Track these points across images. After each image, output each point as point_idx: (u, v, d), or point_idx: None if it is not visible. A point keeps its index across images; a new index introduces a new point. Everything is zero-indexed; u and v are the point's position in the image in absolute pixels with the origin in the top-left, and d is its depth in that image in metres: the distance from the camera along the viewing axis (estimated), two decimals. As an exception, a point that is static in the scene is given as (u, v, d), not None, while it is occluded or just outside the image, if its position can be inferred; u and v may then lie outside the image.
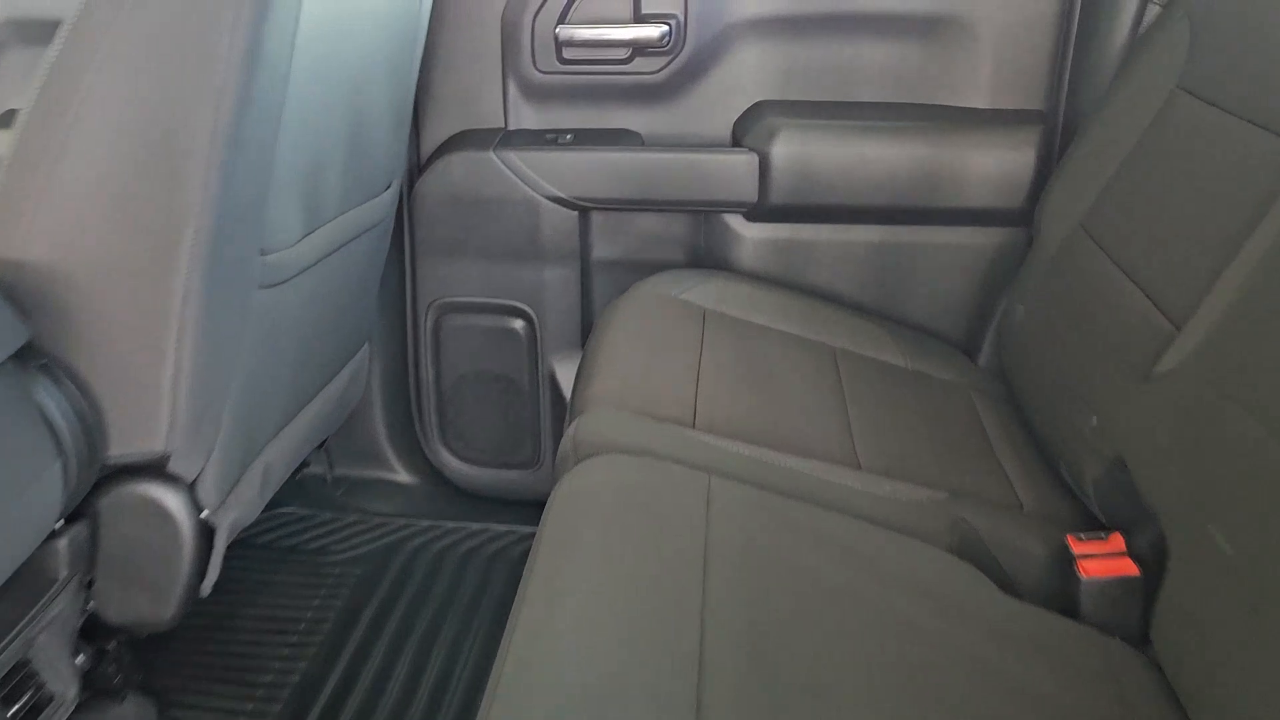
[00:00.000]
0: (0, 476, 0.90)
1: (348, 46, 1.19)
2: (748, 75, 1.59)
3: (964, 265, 1.55)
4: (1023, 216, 1.50)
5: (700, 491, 0.96)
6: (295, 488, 1.76)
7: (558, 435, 1.71)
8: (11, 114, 1.69)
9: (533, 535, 1.70)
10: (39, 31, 1.64)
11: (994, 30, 1.50)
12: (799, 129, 1.53)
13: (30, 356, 0.98)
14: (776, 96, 1.59)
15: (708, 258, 1.62)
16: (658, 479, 0.97)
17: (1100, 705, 0.83)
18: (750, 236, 1.58)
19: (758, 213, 1.56)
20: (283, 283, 1.15)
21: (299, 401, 1.35)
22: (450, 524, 1.71)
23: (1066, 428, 1.12)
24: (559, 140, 1.58)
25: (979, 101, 1.53)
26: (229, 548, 1.54)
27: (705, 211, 1.59)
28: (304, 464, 1.75)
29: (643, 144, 1.59)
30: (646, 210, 1.60)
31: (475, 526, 1.70)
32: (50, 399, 0.98)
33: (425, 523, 1.71)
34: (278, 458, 1.31)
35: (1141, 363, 1.00)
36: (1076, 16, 1.47)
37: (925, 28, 1.53)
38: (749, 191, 1.54)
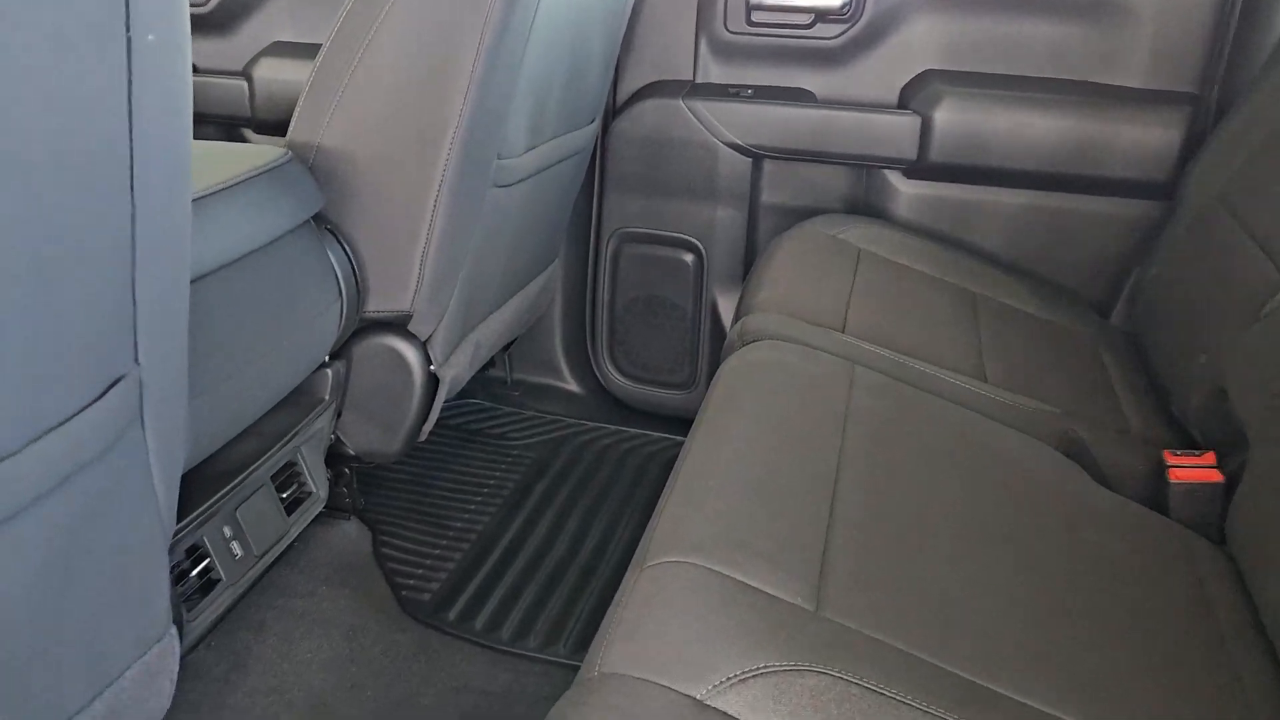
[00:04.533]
0: (302, 306, 1.16)
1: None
2: (917, 45, 1.75)
3: (1106, 232, 1.68)
4: (1164, 190, 1.62)
5: (845, 375, 1.15)
6: (481, 383, 2.03)
7: (714, 360, 1.92)
8: (280, 45, 2.01)
9: (682, 444, 1.92)
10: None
11: (1154, 12, 1.62)
12: (962, 97, 1.68)
13: (322, 221, 1.25)
14: (942, 66, 1.74)
15: (864, 208, 1.79)
16: (810, 362, 1.17)
17: (1176, 583, 0.97)
18: (906, 191, 1.75)
19: (916, 170, 1.73)
20: (509, 185, 1.39)
21: (505, 294, 1.60)
22: (612, 427, 1.94)
23: (1180, 365, 1.25)
24: (741, 94, 1.78)
25: (1134, 81, 1.65)
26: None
27: (867, 166, 1.76)
28: (490, 363, 2.02)
29: (815, 102, 1.77)
30: (813, 161, 1.79)
31: (633, 432, 1.93)
32: (334, 256, 1.24)
33: (590, 424, 1.95)
34: (485, 338, 1.56)
35: (1252, 307, 1.13)
36: (1239, 2, 1.57)
37: (1088, 8, 1.65)
38: (909, 150, 1.71)
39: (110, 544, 0.76)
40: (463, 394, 2.01)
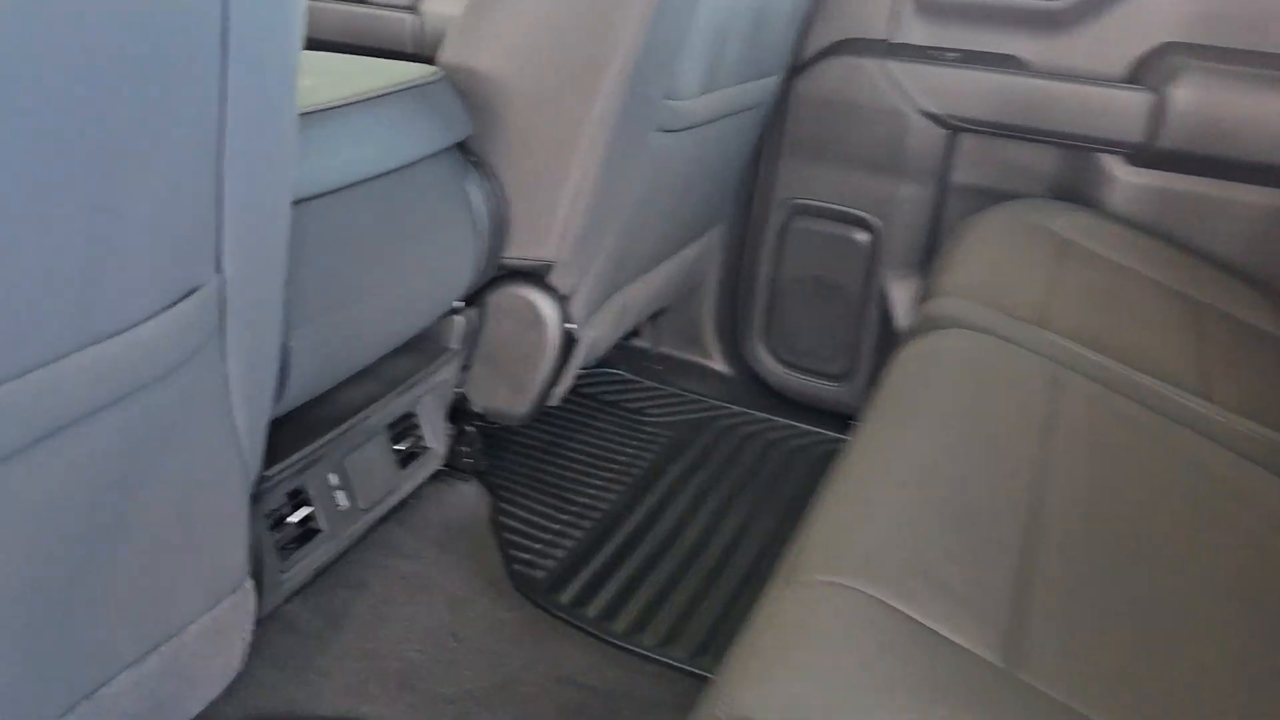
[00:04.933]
0: (436, 241, 1.06)
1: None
2: (1157, 12, 1.51)
3: (1372, 246, 1.41)
4: None
5: (1046, 377, 0.96)
6: (623, 353, 1.91)
7: (878, 353, 1.73)
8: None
9: (834, 440, 1.76)
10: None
11: None
12: (1207, 74, 1.44)
13: (467, 152, 1.14)
14: (1186, 39, 1.50)
15: (1073, 196, 1.57)
16: (1005, 357, 0.98)
17: None
18: (1126, 180, 1.51)
19: (1142, 157, 1.49)
20: (676, 130, 1.25)
21: (659, 255, 1.46)
22: (758, 414, 1.78)
23: None
24: (942, 57, 1.58)
25: None
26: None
27: (1081, 148, 1.54)
28: (634, 331, 1.89)
29: (1029, 70, 1.56)
30: (1018, 138, 1.57)
31: (782, 422, 1.77)
32: (476, 191, 1.13)
33: (735, 408, 1.80)
34: (632, 302, 1.43)
35: None
36: None
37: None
38: (1136, 132, 1.48)
39: (178, 478, 0.66)
40: (602, 361, 1.89)
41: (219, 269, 0.62)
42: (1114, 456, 0.87)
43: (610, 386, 1.83)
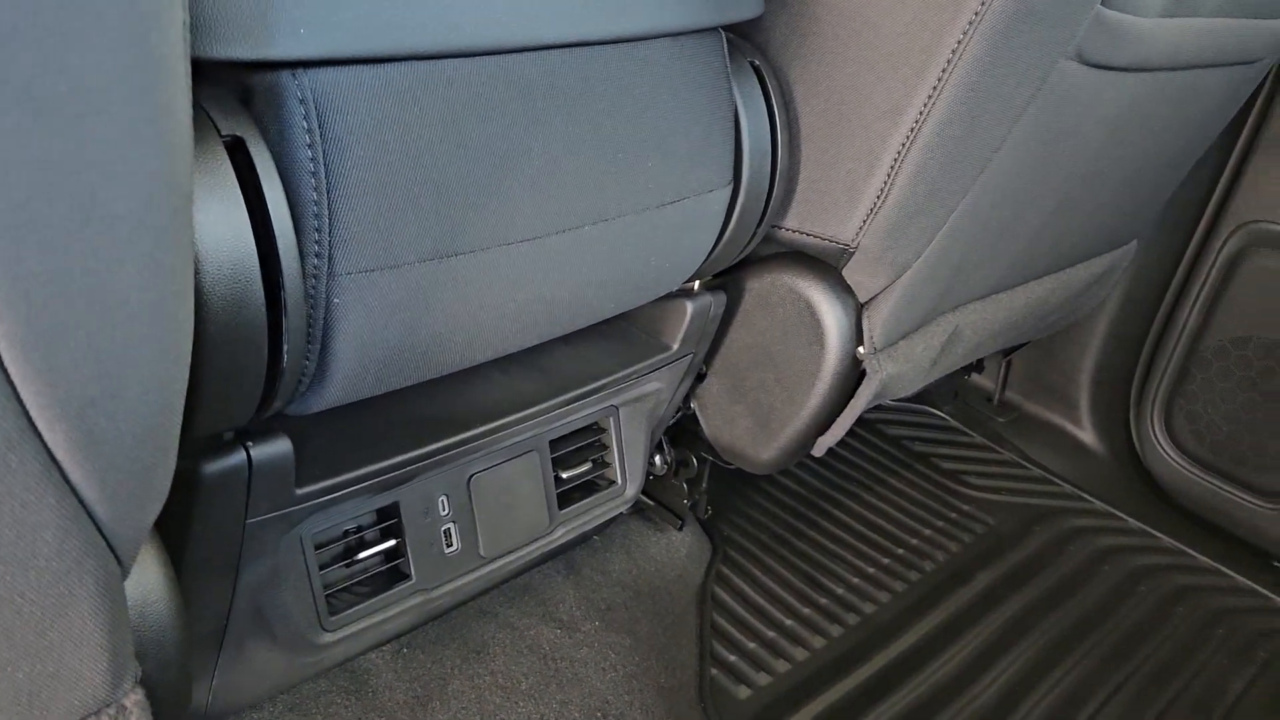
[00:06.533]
0: (659, 171, 0.64)
1: None
2: None
3: None
4: None
5: None
6: (953, 390, 1.41)
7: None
8: None
9: (1252, 594, 1.14)
10: None
11: None
12: None
13: (745, 50, 0.71)
14: None
15: None
16: None
17: None
18: None
19: None
20: (1107, 68, 0.74)
21: (1027, 268, 0.96)
22: (1135, 524, 1.22)
23: None
24: None
25: None
26: (853, 424, 1.24)
27: None
28: (977, 366, 1.38)
29: None
30: None
31: (1171, 544, 1.19)
32: (748, 112, 0.70)
33: (1100, 505, 1.24)
34: (969, 331, 0.94)
35: None
36: None
37: None
38: None
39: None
40: (919, 395, 1.40)
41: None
42: None
43: (924, 432, 1.34)
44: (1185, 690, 0.97)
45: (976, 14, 0.64)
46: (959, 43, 0.65)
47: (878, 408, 1.36)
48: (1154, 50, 0.77)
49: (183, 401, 0.41)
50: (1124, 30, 0.72)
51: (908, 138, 0.69)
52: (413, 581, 0.71)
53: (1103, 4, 0.69)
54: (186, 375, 0.40)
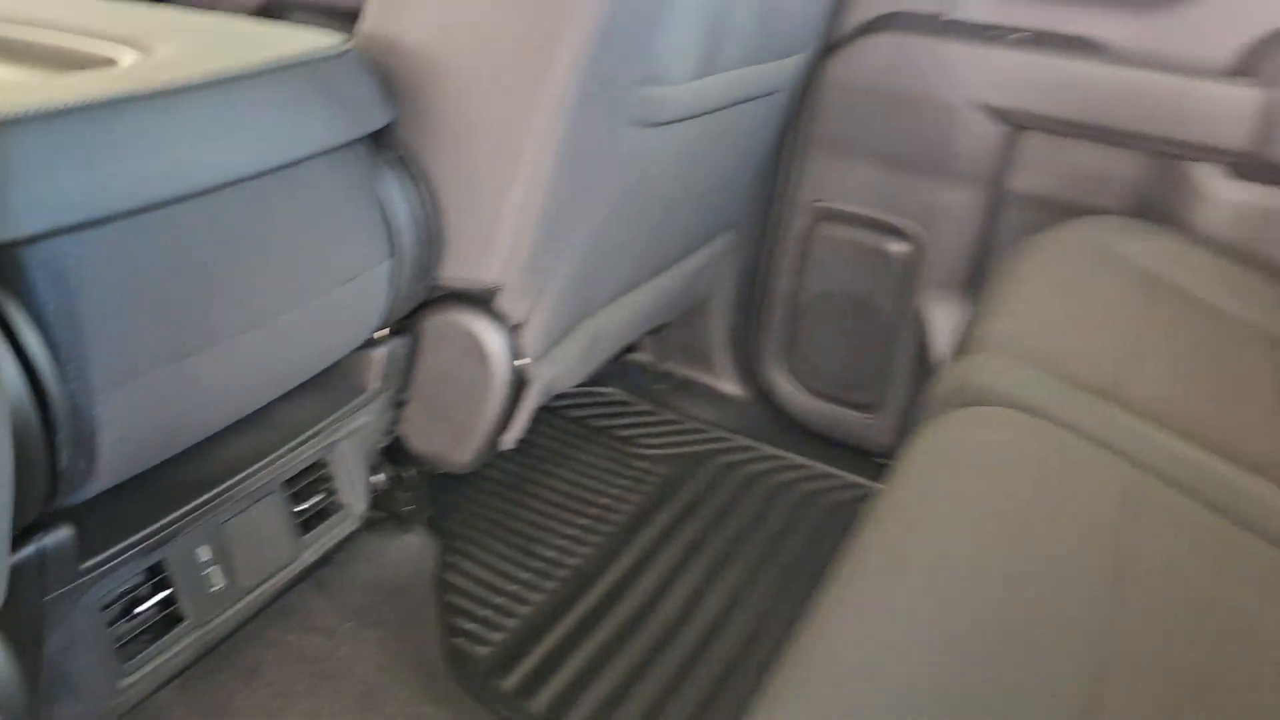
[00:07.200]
0: (333, 259, 0.83)
1: None
2: (1276, -9, 1.22)
3: None
4: None
5: (1115, 482, 0.71)
6: (618, 370, 1.67)
7: (911, 383, 1.48)
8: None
9: (857, 486, 1.52)
10: None
11: None
12: (1336, 68, 1.15)
13: (386, 145, 0.91)
14: (1310, 24, 1.22)
15: (1158, 215, 1.29)
16: (1058, 453, 0.73)
17: None
18: (1226, 197, 1.24)
19: (1249, 168, 1.21)
20: (661, 124, 1.00)
21: (646, 269, 1.22)
22: (770, 450, 1.54)
23: None
24: (1007, 37, 1.31)
25: None
26: (540, 413, 1.47)
27: (1170, 156, 1.26)
28: (632, 347, 1.65)
29: (1111, 57, 1.28)
30: (1093, 141, 1.30)
31: (796, 460, 1.52)
32: (395, 195, 0.90)
33: (743, 441, 1.55)
34: (609, 327, 1.19)
35: None
36: None
37: None
38: (1241, 139, 1.20)
39: None
40: (593, 379, 1.65)
41: None
42: (1213, 619, 0.62)
43: (599, 409, 1.60)
44: (781, 547, 1.29)
45: (555, 100, 0.87)
46: (545, 124, 0.88)
47: (559, 396, 1.60)
48: (694, 104, 1.04)
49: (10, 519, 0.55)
50: (665, 97, 0.98)
51: (523, 199, 0.91)
52: (188, 621, 0.85)
53: (646, 84, 0.94)
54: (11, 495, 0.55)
